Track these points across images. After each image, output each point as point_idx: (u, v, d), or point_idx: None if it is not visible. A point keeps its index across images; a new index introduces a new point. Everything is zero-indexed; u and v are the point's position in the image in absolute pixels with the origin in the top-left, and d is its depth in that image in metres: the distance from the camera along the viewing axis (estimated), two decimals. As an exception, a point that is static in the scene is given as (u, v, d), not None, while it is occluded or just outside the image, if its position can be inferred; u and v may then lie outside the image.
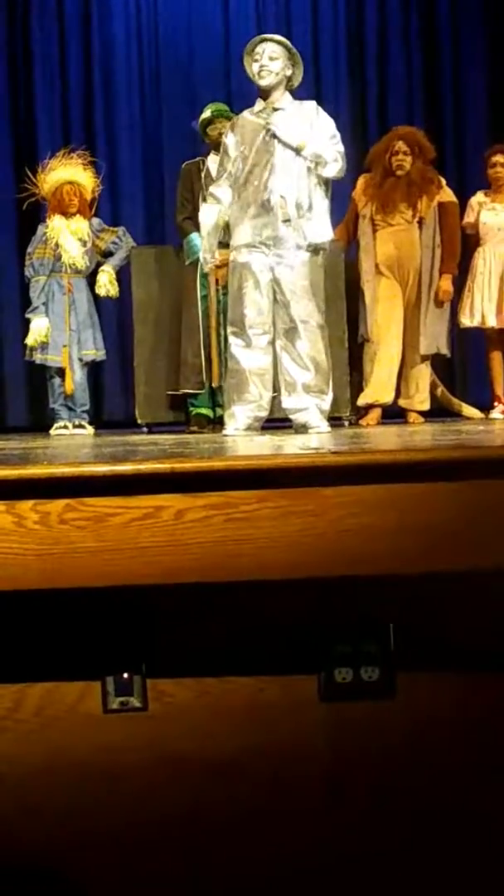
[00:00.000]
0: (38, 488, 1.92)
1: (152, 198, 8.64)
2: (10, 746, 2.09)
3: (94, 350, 6.61)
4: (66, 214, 6.50)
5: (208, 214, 4.97)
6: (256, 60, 4.72)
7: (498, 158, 6.51)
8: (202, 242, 5.15)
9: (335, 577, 1.98)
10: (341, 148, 4.76)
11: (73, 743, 2.10)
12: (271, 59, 4.70)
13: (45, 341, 6.44)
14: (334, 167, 4.73)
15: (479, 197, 6.61)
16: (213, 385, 5.95)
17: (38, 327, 6.46)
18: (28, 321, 6.57)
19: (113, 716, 2.10)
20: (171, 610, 2.10)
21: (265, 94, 4.76)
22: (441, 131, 8.37)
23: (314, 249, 4.69)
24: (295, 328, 4.66)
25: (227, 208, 4.84)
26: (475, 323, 6.55)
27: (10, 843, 2.09)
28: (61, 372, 6.49)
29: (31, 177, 6.53)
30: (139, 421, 6.42)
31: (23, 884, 2.09)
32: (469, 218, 6.56)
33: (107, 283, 6.51)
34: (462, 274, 6.56)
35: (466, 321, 6.57)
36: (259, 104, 4.80)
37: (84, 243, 6.48)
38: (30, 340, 6.50)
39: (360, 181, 6.43)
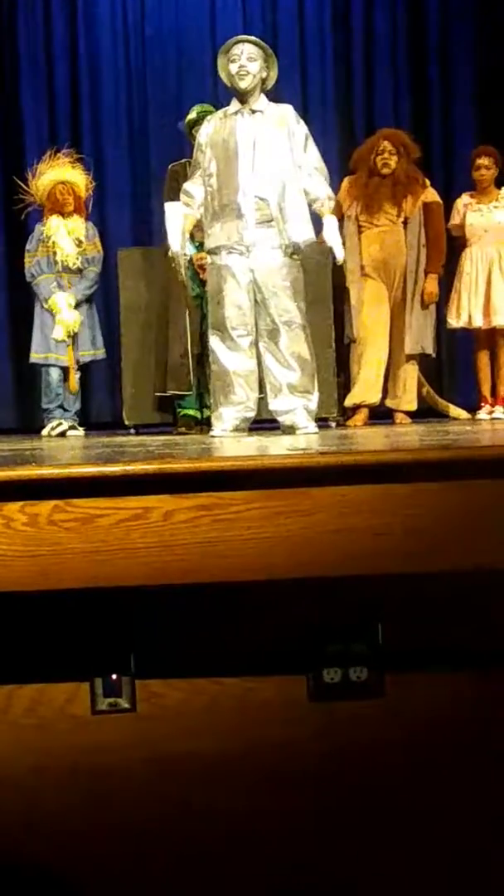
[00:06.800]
0: (26, 490, 1.91)
1: (139, 199, 8.63)
2: (-1, 748, 2.09)
3: (93, 350, 6.60)
4: (63, 214, 6.49)
5: (174, 214, 4.91)
6: (234, 61, 4.69)
7: (482, 161, 6.55)
8: (172, 239, 5.06)
9: (323, 577, 1.99)
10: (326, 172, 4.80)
11: (63, 744, 2.10)
12: (250, 59, 4.69)
13: (75, 331, 6.39)
14: (330, 205, 4.81)
15: (465, 199, 6.64)
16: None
17: (68, 320, 6.41)
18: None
19: (102, 717, 2.10)
20: (160, 611, 2.10)
21: (241, 95, 4.76)
22: (428, 134, 8.38)
23: (293, 250, 4.69)
24: (277, 329, 4.64)
25: (197, 207, 4.82)
26: (462, 324, 6.58)
27: (1, 844, 2.09)
28: (65, 371, 6.47)
29: (24, 187, 6.51)
30: (127, 422, 6.41)
31: (14, 884, 2.08)
32: (455, 220, 6.59)
33: (63, 308, 6.40)
34: (449, 275, 6.58)
35: (453, 322, 6.61)
36: (235, 104, 4.79)
37: (80, 242, 6.47)
38: (61, 335, 6.43)
39: (345, 183, 6.44)
